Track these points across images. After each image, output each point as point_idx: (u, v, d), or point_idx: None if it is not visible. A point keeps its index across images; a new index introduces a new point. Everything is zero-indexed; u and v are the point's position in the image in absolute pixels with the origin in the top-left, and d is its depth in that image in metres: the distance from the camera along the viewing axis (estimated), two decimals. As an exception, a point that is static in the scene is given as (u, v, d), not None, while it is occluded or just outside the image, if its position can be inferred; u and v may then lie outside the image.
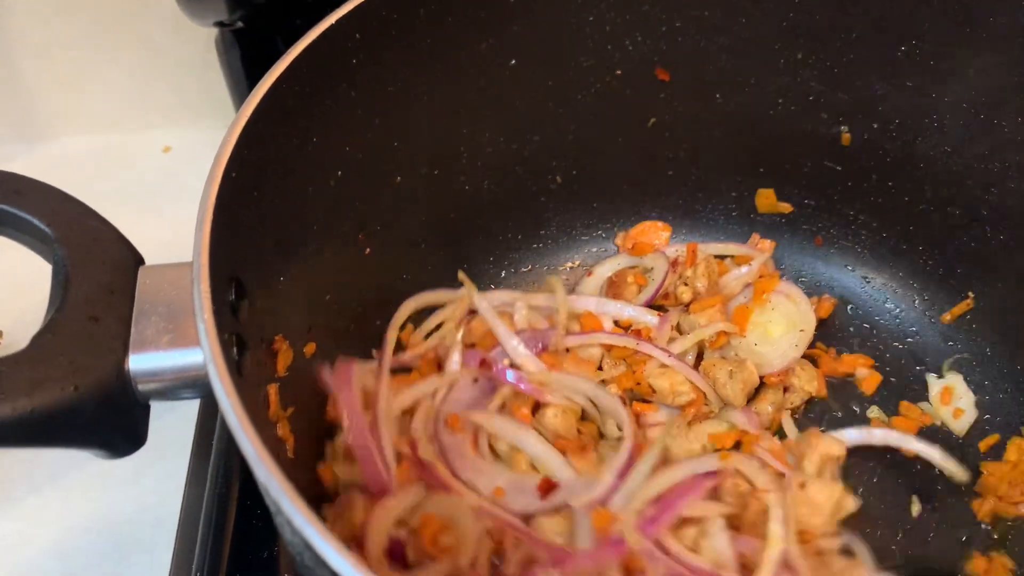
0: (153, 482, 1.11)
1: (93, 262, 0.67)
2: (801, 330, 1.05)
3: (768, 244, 1.16)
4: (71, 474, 1.12)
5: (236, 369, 0.66)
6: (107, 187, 1.42)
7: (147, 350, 0.64)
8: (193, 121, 1.48)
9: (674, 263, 1.10)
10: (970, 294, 1.06)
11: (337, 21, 0.82)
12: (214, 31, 1.29)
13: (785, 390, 1.03)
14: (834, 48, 1.01)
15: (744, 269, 1.11)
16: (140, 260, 0.70)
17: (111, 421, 0.63)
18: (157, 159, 1.48)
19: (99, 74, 1.43)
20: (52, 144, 1.49)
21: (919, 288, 1.11)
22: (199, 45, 1.40)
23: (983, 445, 1.00)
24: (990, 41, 0.93)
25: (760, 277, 1.10)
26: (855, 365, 1.07)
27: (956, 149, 1.00)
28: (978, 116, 0.97)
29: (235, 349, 0.66)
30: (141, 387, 0.65)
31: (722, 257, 1.15)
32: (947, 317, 1.08)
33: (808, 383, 1.03)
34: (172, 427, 1.13)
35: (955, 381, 1.06)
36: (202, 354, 0.58)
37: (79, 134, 1.49)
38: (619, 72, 1.06)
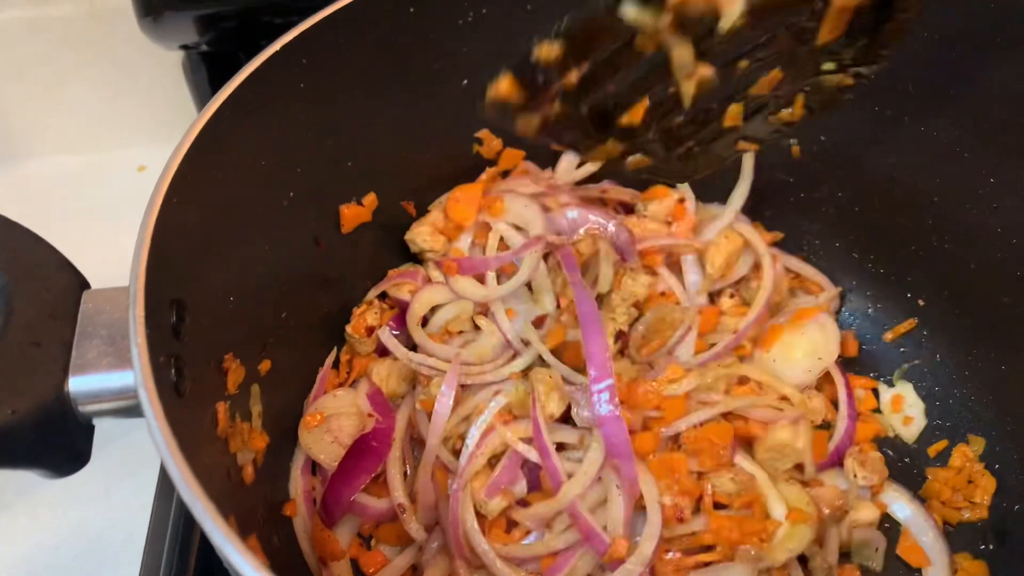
0: (122, 498, 1.12)
1: (35, 288, 0.68)
2: (819, 358, 1.05)
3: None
4: (40, 491, 1.14)
5: (174, 390, 0.68)
6: (81, 206, 1.44)
7: (87, 372, 0.66)
8: (168, 140, 1.46)
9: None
10: (920, 302, 1.07)
11: (282, 47, 0.84)
12: (181, 53, 1.32)
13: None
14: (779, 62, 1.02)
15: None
16: (85, 284, 0.72)
17: (51, 442, 0.65)
18: (132, 178, 1.49)
19: (72, 95, 1.45)
20: (26, 164, 1.50)
21: (872, 296, 1.12)
22: (170, 64, 1.42)
23: (931, 451, 1.02)
24: (926, 54, 0.94)
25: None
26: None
27: (901, 161, 1.02)
28: (919, 128, 0.98)
29: (173, 371, 0.67)
30: (82, 408, 0.66)
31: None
32: (889, 336, 1.10)
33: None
34: (140, 443, 1.14)
35: (905, 390, 1.08)
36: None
37: (53, 154, 1.51)
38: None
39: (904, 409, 1.06)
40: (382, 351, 1.05)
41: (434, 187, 1.10)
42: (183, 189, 0.73)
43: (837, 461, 1.00)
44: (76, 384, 0.66)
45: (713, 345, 1.04)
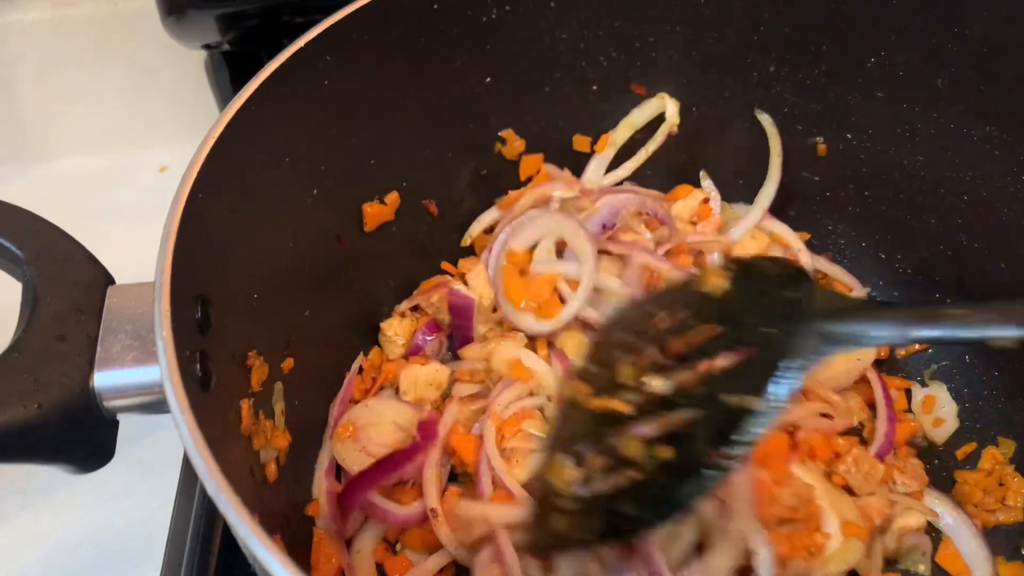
0: (143, 497, 1.12)
1: (62, 282, 0.68)
2: (858, 359, 1.04)
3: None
4: (63, 490, 1.14)
5: (200, 385, 0.67)
6: (103, 206, 1.44)
7: (112, 367, 0.66)
8: (189, 140, 1.46)
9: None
10: (948, 303, 1.06)
11: (305, 44, 0.84)
12: (203, 53, 1.32)
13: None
14: (805, 60, 1.02)
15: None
16: (110, 280, 0.72)
17: (76, 437, 0.65)
18: (154, 178, 1.50)
19: (94, 95, 1.46)
20: (49, 165, 1.51)
21: (899, 296, 1.11)
22: (192, 64, 1.43)
23: (960, 454, 1.01)
24: (958, 50, 0.93)
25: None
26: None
27: (929, 158, 1.01)
28: (949, 125, 0.97)
29: (198, 366, 0.67)
30: (107, 404, 0.66)
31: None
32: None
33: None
34: (162, 442, 1.15)
35: (939, 391, 1.06)
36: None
37: (76, 155, 1.51)
38: (595, 88, 1.08)
39: (935, 411, 1.04)
40: (413, 352, 1.05)
41: (456, 186, 1.09)
42: (208, 185, 0.73)
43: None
44: (101, 379, 0.66)
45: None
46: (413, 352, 1.06)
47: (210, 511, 0.99)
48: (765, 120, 1.08)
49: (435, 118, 1.01)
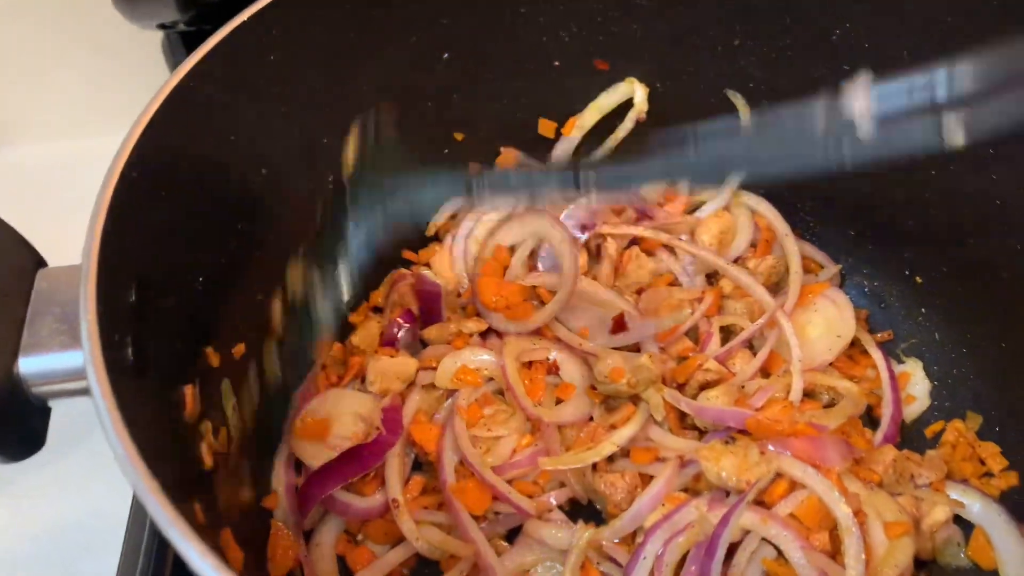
0: (102, 488, 1.10)
1: (-13, 266, 0.66)
2: (838, 336, 1.03)
3: None
4: (20, 480, 1.12)
5: (134, 370, 0.65)
6: (62, 192, 1.40)
7: (39, 352, 0.64)
8: None
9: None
10: (918, 279, 1.04)
11: (249, 17, 0.81)
12: (161, 34, 1.29)
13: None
14: (771, 34, 0.99)
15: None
16: (41, 262, 0.70)
17: (2, 424, 0.63)
18: (116, 164, 1.47)
19: (52, 80, 1.43)
20: (7, 152, 1.48)
21: (869, 275, 1.09)
22: (151, 47, 1.39)
23: (928, 432, 0.99)
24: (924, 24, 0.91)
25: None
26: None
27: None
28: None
29: (130, 350, 0.65)
30: (35, 390, 0.64)
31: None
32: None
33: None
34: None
35: (915, 368, 1.04)
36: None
37: (36, 141, 1.48)
38: (556, 63, 1.05)
39: (907, 388, 1.02)
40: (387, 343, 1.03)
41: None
42: (143, 163, 0.70)
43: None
44: (27, 364, 0.63)
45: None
46: (388, 342, 1.04)
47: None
48: (738, 100, 1.06)
49: (389, 98, 0.98)
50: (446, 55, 1.00)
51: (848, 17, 0.95)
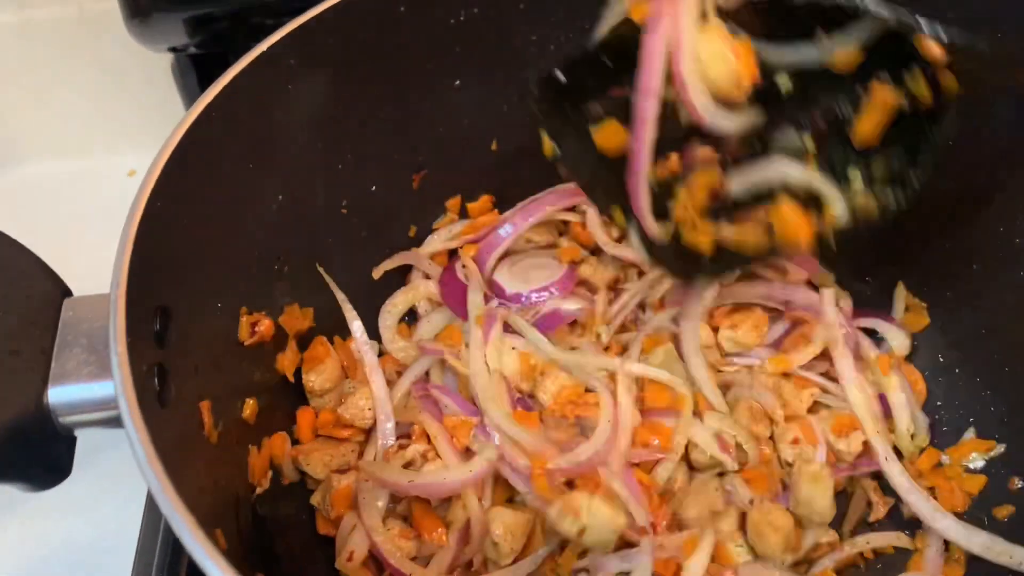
0: (112, 509, 1.10)
1: (15, 295, 0.67)
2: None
3: None
4: (31, 502, 1.12)
5: (157, 400, 0.66)
6: (71, 212, 1.42)
7: (67, 382, 0.64)
8: (158, 145, 1.48)
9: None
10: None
11: (269, 48, 0.82)
12: (170, 56, 1.30)
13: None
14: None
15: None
16: (66, 291, 0.70)
17: (30, 454, 0.63)
18: (122, 183, 1.47)
19: (60, 99, 1.44)
20: (14, 170, 1.48)
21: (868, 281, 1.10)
22: (160, 68, 1.41)
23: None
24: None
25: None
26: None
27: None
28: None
29: (156, 380, 0.65)
30: (62, 420, 0.64)
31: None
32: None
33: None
34: (130, 453, 1.13)
35: None
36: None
37: (41, 160, 1.49)
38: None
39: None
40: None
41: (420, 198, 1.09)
42: (168, 192, 0.71)
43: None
44: (56, 395, 0.64)
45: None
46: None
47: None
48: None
49: (403, 122, 0.99)
50: (457, 82, 1.01)
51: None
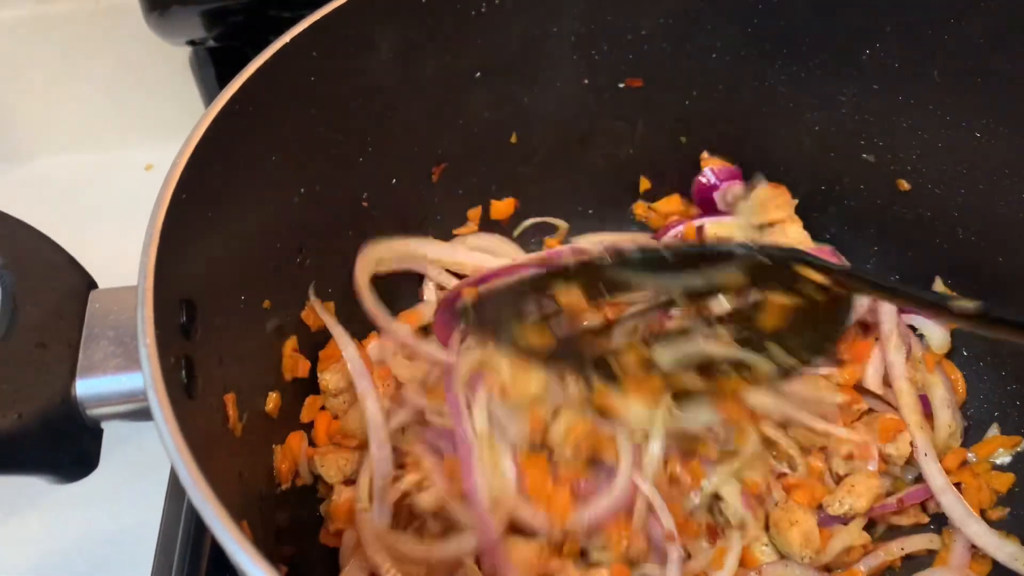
0: (132, 501, 1.11)
1: (42, 288, 0.67)
2: None
3: None
4: (51, 495, 1.11)
5: (185, 391, 0.66)
6: (88, 206, 1.42)
7: (95, 375, 0.64)
8: (175, 138, 1.45)
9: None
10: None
11: (291, 40, 0.82)
12: (188, 49, 1.30)
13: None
14: (799, 53, 1.00)
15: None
16: (92, 284, 0.70)
17: (58, 447, 0.63)
18: (139, 177, 1.48)
19: (77, 93, 1.44)
20: (32, 164, 1.49)
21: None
22: (177, 61, 1.40)
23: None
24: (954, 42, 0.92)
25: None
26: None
27: (924, 151, 0.99)
28: (945, 117, 0.96)
29: (183, 372, 0.65)
30: (90, 412, 0.65)
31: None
32: None
33: None
34: (150, 446, 1.11)
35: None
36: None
37: (60, 153, 1.49)
38: (586, 81, 1.06)
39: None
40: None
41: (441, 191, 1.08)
42: (192, 186, 0.71)
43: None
44: (84, 387, 0.64)
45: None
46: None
47: (200, 515, 0.98)
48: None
49: (423, 114, 0.99)
50: (478, 74, 1.01)
51: (878, 38, 0.96)
